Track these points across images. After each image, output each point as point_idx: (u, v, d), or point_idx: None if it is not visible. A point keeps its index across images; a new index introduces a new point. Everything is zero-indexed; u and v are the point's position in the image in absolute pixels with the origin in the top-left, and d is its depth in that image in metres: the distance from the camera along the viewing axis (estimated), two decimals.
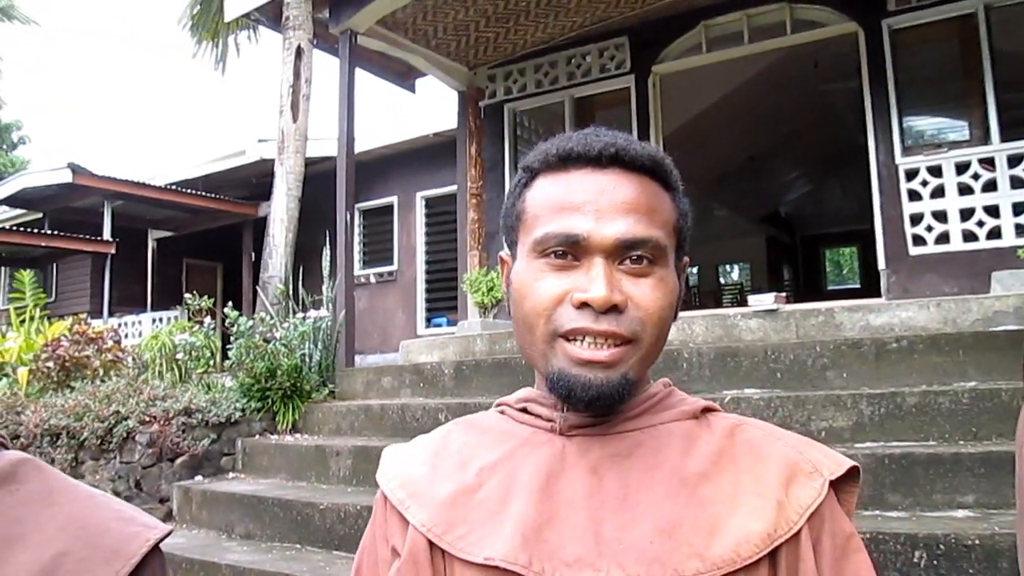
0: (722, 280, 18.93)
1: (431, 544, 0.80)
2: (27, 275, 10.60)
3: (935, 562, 2.61)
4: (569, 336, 0.78)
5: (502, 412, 0.93)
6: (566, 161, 0.83)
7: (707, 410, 0.88)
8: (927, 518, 2.91)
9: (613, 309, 0.77)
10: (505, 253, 0.92)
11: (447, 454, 0.88)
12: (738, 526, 0.75)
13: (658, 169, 0.84)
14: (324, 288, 6.63)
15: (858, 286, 17.36)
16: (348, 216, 6.58)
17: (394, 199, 11.81)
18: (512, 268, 0.88)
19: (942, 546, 2.60)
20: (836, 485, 0.80)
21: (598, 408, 0.80)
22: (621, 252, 0.79)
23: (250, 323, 6.22)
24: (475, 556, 0.77)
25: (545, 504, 0.78)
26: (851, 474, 0.81)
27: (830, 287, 19.18)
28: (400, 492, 0.86)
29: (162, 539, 0.79)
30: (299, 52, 9.23)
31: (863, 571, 0.77)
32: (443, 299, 10.92)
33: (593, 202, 0.80)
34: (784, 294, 6.19)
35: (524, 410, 0.89)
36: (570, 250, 0.80)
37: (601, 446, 0.82)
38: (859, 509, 3.14)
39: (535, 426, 0.87)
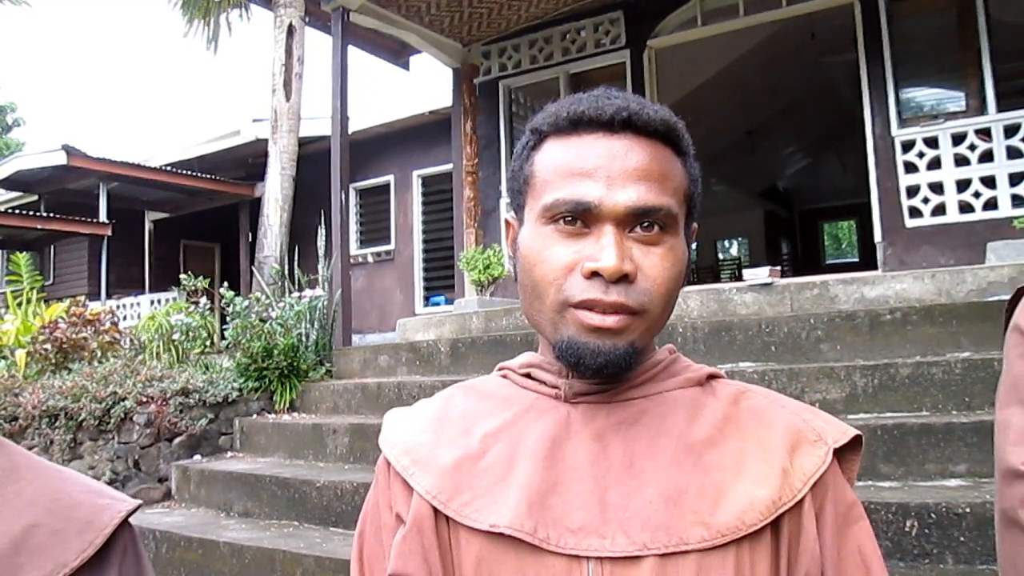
0: (721, 256, 18.92)
1: (436, 511, 0.80)
2: (23, 258, 10.59)
3: (927, 531, 2.63)
4: (579, 306, 0.77)
5: (504, 376, 0.92)
6: (576, 124, 0.81)
7: (712, 376, 0.88)
8: (919, 487, 2.92)
9: (623, 279, 0.76)
10: (511, 216, 0.90)
11: (450, 420, 0.88)
12: (743, 493, 0.75)
13: (671, 134, 0.82)
14: (320, 268, 6.62)
15: (857, 260, 17.35)
16: (343, 195, 6.56)
17: (391, 178, 11.76)
18: (519, 233, 0.86)
19: (933, 515, 2.62)
20: (838, 453, 0.80)
21: (605, 376, 0.80)
22: (632, 220, 0.78)
23: (246, 303, 6.23)
24: (480, 523, 0.77)
25: (550, 471, 0.79)
26: (854, 442, 0.82)
27: (829, 261, 19.17)
28: (404, 459, 0.85)
29: (132, 512, 0.80)
30: (291, 30, 9.17)
31: (864, 539, 0.78)
32: (441, 278, 10.90)
33: (605, 168, 0.78)
34: (779, 267, 6.18)
35: (528, 375, 0.89)
36: (580, 217, 0.78)
37: (606, 414, 0.82)
38: None
39: (539, 392, 0.86)
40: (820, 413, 0.84)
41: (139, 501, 0.82)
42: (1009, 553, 0.81)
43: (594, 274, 0.76)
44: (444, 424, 0.88)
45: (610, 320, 0.76)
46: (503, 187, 8.06)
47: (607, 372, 0.78)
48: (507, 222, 0.90)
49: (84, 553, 0.74)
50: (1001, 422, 0.85)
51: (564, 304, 0.78)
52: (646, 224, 0.78)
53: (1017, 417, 0.84)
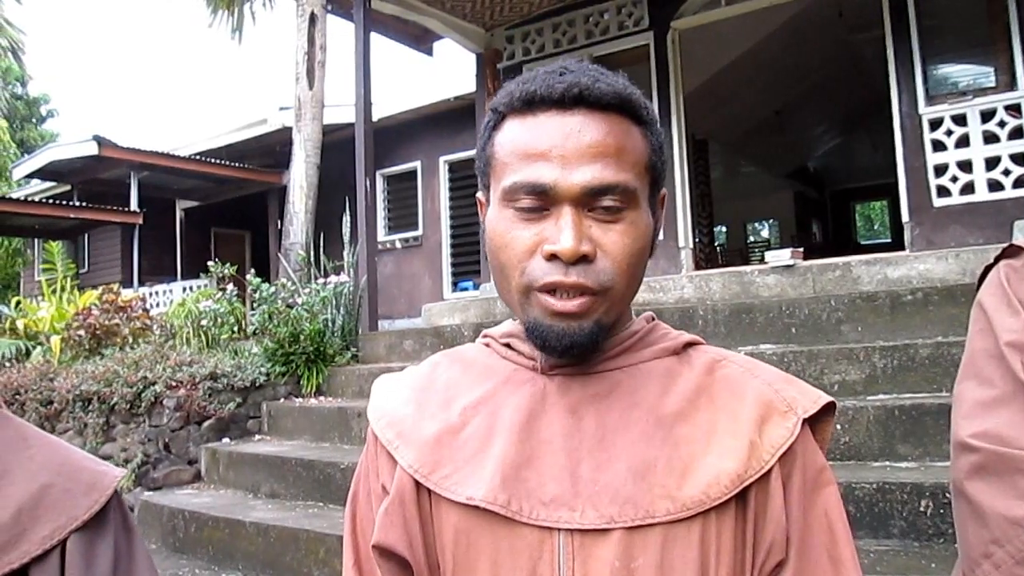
0: (751, 238, 18.71)
1: (417, 484, 0.83)
2: (56, 246, 10.82)
3: (941, 511, 2.62)
4: (542, 289, 0.78)
5: (487, 345, 0.94)
6: (530, 103, 0.81)
7: (690, 344, 0.88)
8: (935, 468, 2.90)
9: (582, 259, 0.77)
10: (481, 194, 0.91)
11: (433, 390, 0.91)
12: (710, 466, 0.77)
13: (626, 105, 0.81)
14: (345, 254, 6.69)
15: (889, 240, 17.09)
16: (368, 181, 6.60)
17: (417, 164, 11.80)
18: (487, 211, 0.87)
19: (948, 495, 2.60)
20: (811, 419, 0.81)
21: (573, 356, 0.81)
22: (589, 199, 0.78)
23: (272, 289, 6.32)
24: (458, 496, 0.80)
25: (525, 444, 0.81)
26: (827, 408, 0.82)
27: (861, 242, 18.87)
28: (389, 432, 0.88)
29: (121, 478, 0.93)
30: (313, 18, 9.22)
31: (831, 503, 0.79)
32: (469, 263, 10.93)
33: (559, 147, 0.78)
34: (801, 249, 6.10)
35: (508, 346, 0.90)
36: (538, 199, 0.78)
37: (581, 386, 0.83)
38: (869, 460, 3.15)
39: (517, 363, 0.88)
40: (795, 381, 0.84)
41: (124, 470, 0.96)
42: (959, 522, 0.83)
43: (554, 256, 0.77)
44: (428, 395, 0.90)
45: (571, 304, 0.77)
46: None
47: (573, 353, 0.80)
48: (479, 200, 0.92)
49: (91, 509, 0.87)
50: (956, 396, 0.87)
51: (528, 287, 0.79)
52: (605, 201, 0.78)
53: (969, 391, 0.85)
